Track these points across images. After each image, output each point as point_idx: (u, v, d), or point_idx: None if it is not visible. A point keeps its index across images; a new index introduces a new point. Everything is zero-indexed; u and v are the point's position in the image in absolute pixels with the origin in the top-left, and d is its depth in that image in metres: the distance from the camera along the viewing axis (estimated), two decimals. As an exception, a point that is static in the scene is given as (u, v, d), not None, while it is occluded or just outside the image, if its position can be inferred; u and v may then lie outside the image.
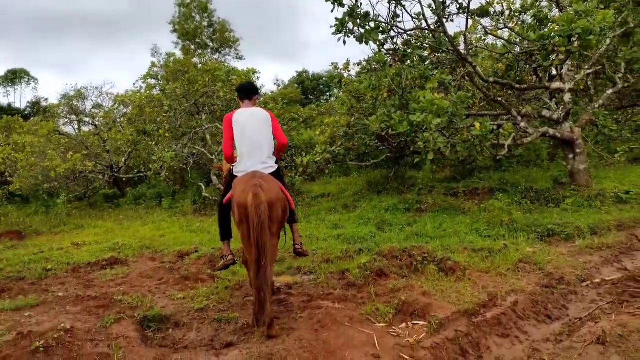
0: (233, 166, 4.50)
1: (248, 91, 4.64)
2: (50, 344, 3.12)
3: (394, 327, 3.75)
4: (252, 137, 4.32)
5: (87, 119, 19.07)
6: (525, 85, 10.24)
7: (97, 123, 18.35)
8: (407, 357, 3.20)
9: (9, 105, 45.91)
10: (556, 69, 9.97)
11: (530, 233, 6.91)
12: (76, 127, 20.12)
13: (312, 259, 6.04)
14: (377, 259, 5.48)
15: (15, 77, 52.97)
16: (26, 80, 54.21)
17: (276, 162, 4.48)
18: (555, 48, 7.72)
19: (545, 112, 9.93)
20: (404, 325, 3.79)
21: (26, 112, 42.18)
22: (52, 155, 14.29)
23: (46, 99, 43.90)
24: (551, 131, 9.43)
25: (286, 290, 4.90)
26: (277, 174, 4.42)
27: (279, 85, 41.64)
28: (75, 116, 19.22)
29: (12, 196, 16.39)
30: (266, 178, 4.05)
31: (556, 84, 9.68)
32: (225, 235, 4.66)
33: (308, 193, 13.11)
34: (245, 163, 4.28)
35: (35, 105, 41.63)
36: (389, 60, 9.14)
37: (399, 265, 5.34)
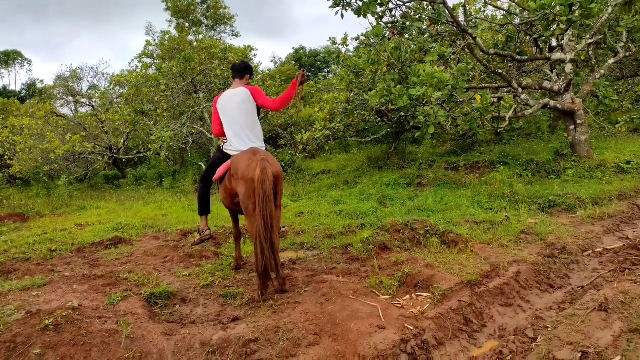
0: (223, 143, 4.60)
1: (239, 71, 4.74)
2: (59, 322, 3.15)
3: (398, 299, 3.80)
4: (236, 117, 4.47)
5: (83, 100, 18.90)
6: (526, 57, 10.12)
7: (94, 104, 18.20)
8: (411, 328, 3.24)
9: (4, 87, 45.61)
10: (557, 40, 9.83)
11: (532, 204, 6.93)
12: (73, 108, 19.98)
13: (315, 235, 6.08)
14: (380, 233, 5.52)
15: (8, 58, 52.31)
16: (20, 61, 53.61)
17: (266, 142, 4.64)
18: (556, 17, 7.59)
19: (546, 84, 9.85)
20: (407, 297, 3.84)
21: (22, 95, 41.91)
22: (51, 137, 14.22)
23: (41, 81, 43.58)
24: (552, 102, 9.37)
25: (290, 266, 4.94)
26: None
27: (276, 63, 41.17)
28: (72, 97, 19.07)
29: (12, 179, 16.39)
30: (268, 154, 4.20)
31: (557, 55, 9.56)
32: (205, 210, 4.93)
33: (308, 170, 13.11)
34: (236, 142, 4.44)
35: (31, 87, 41.27)
36: (387, 33, 9.00)
37: (401, 238, 5.38)
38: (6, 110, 19.98)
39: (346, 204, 8.35)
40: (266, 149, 4.67)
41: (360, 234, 5.59)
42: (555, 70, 10.21)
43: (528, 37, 10.26)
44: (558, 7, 7.41)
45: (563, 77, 9.49)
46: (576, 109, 9.24)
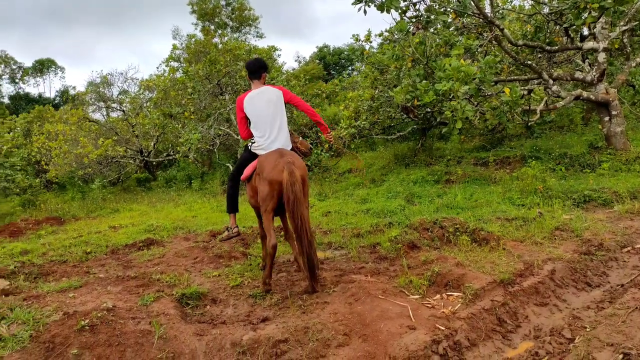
0: (251, 143, 4.62)
1: (254, 71, 4.63)
2: (94, 323, 3.24)
3: (428, 299, 3.74)
4: (263, 117, 4.44)
5: (114, 105, 19.42)
6: (556, 47, 9.80)
7: (124, 109, 18.66)
8: (443, 328, 3.19)
9: (40, 95, 47.36)
10: (589, 28, 9.49)
11: (566, 200, 6.72)
12: (105, 113, 20.54)
13: (342, 234, 6.06)
14: (408, 231, 5.46)
15: (43, 67, 54.20)
16: (53, 69, 55.49)
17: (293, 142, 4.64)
18: (588, 5, 7.33)
19: (578, 74, 9.52)
20: (438, 296, 3.78)
21: (56, 101, 43.42)
22: (84, 142, 14.66)
23: (74, 87, 45.06)
24: (585, 93, 9.06)
25: (319, 266, 4.94)
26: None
27: (300, 62, 41.29)
28: (103, 103, 19.61)
29: (49, 184, 17.00)
30: (295, 155, 4.22)
31: (589, 44, 9.23)
32: (233, 208, 4.97)
33: (335, 169, 13.08)
34: (263, 142, 4.44)
35: (64, 93, 42.68)
36: (411, 28, 8.88)
37: (430, 237, 5.31)
38: (42, 117, 20.73)
39: (373, 202, 8.29)
40: (292, 148, 4.66)
41: (388, 233, 5.54)
42: (587, 60, 9.86)
43: (558, 27, 9.94)
44: (590, -6, 7.14)
45: (596, 67, 9.15)
46: (611, 99, 8.90)
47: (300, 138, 5.14)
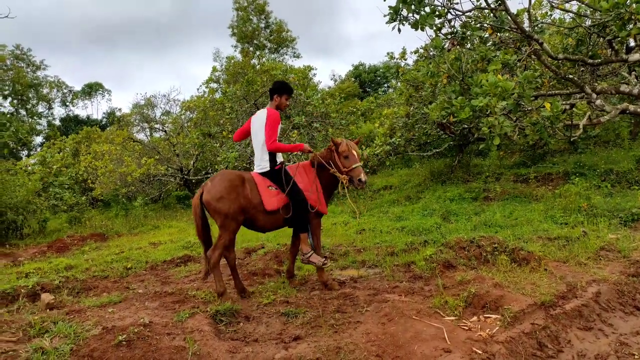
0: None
1: (269, 93, 4.87)
2: (131, 338, 3.31)
3: (464, 321, 3.63)
4: (252, 139, 4.76)
5: (157, 126, 20.12)
6: (599, 60, 9.46)
7: (166, 129, 19.32)
8: (480, 352, 3.07)
9: (88, 117, 49.82)
10: (635, 39, 9.12)
11: (612, 218, 6.41)
12: (148, 133, 21.31)
13: (377, 252, 5.99)
14: (444, 250, 5.34)
15: (91, 90, 57.06)
16: (101, 92, 58.30)
17: (272, 162, 4.61)
18: (633, 16, 7.06)
19: (623, 87, 9.11)
20: (475, 318, 3.66)
21: (103, 123, 45.54)
22: (128, 161, 15.26)
23: (119, 109, 47.21)
24: (632, 107, 8.64)
25: (352, 284, 4.90)
26: (276, 174, 4.61)
27: (335, 80, 41.68)
28: (147, 123, 20.35)
29: (95, 201, 17.74)
30: (216, 180, 4.40)
31: (635, 56, 8.83)
32: None
33: (370, 186, 13.01)
34: (254, 161, 4.76)
35: (110, 115, 44.75)
36: (447, 44, 8.80)
37: (467, 256, 5.17)
38: (89, 137, 21.77)
39: (408, 220, 8.17)
40: (278, 169, 4.62)
41: (423, 251, 5.44)
42: (634, 72, 9.45)
43: (601, 39, 9.61)
44: (634, 4, 6.88)
45: (643, 79, 8.76)
46: (661, 112, 8.47)
47: (357, 165, 5.03)
